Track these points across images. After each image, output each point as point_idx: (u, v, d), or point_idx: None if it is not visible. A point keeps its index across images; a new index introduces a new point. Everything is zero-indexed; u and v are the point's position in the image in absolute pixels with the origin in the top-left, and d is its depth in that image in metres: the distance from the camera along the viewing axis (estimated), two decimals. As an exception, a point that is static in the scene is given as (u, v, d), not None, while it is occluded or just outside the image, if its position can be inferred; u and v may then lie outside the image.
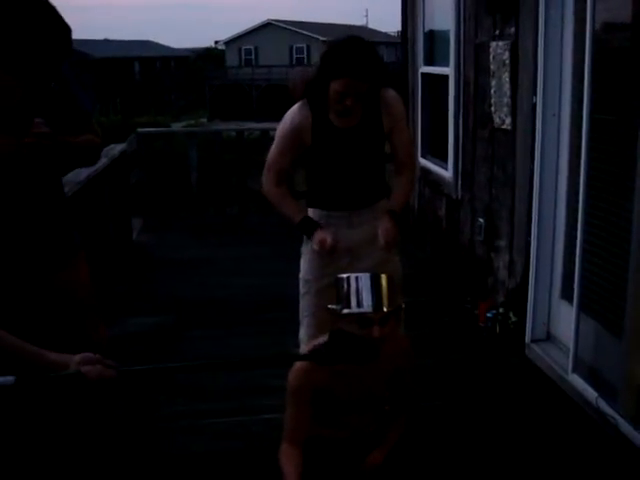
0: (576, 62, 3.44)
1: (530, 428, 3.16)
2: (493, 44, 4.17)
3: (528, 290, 3.88)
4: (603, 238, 3.23)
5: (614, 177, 3.16)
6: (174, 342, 4.17)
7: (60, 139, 2.32)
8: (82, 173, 4.20)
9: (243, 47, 49.46)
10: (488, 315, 4.26)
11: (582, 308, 3.30)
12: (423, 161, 6.00)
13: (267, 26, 48.45)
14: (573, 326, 3.32)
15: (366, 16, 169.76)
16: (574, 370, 3.36)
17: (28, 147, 2.21)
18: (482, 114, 4.51)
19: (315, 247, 2.81)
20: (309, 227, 2.86)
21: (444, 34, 5.27)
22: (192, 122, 36.25)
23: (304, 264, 3.02)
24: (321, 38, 42.80)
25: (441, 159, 5.60)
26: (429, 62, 5.92)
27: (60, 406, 2.58)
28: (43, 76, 2.24)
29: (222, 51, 52.84)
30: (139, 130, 7.65)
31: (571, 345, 3.37)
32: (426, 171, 5.91)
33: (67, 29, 2.21)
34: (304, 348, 2.90)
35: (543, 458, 2.92)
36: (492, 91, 4.24)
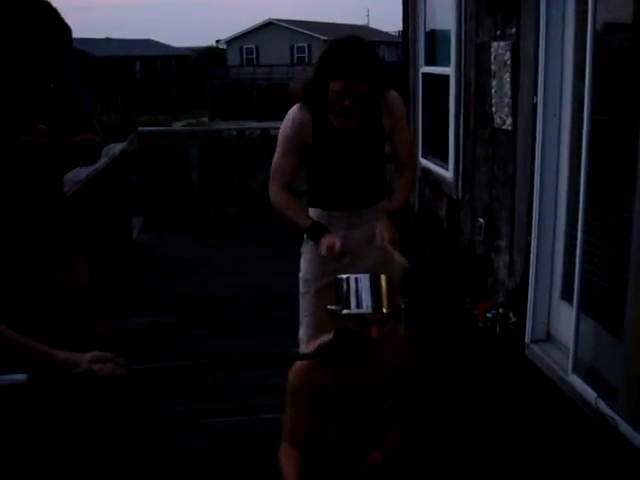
0: (577, 62, 3.44)
1: (530, 428, 3.16)
2: (494, 44, 4.17)
3: (528, 290, 3.88)
4: (603, 239, 3.23)
5: (615, 177, 3.15)
6: (174, 341, 4.17)
7: (60, 138, 2.31)
8: (82, 172, 4.20)
9: (244, 46, 49.47)
10: (488, 315, 4.26)
11: (582, 309, 3.30)
12: (424, 161, 6.00)
13: (268, 25, 48.47)
14: (573, 327, 3.32)
15: (367, 15, 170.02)
16: (574, 371, 3.36)
17: (26, 145, 2.21)
18: (483, 114, 4.51)
19: (323, 253, 2.79)
20: (317, 232, 2.85)
21: (445, 34, 5.27)
22: (193, 121, 36.25)
23: (304, 264, 3.02)
24: (322, 37, 42.79)
25: (442, 159, 5.60)
26: (430, 62, 5.92)
27: (61, 405, 2.58)
28: (42, 77, 2.24)
29: (223, 50, 52.85)
30: (140, 129, 7.65)
31: (571, 346, 3.37)
32: (427, 171, 5.90)
33: (67, 30, 2.21)
34: (304, 348, 2.90)
35: (542, 458, 2.92)
36: (493, 91, 4.24)
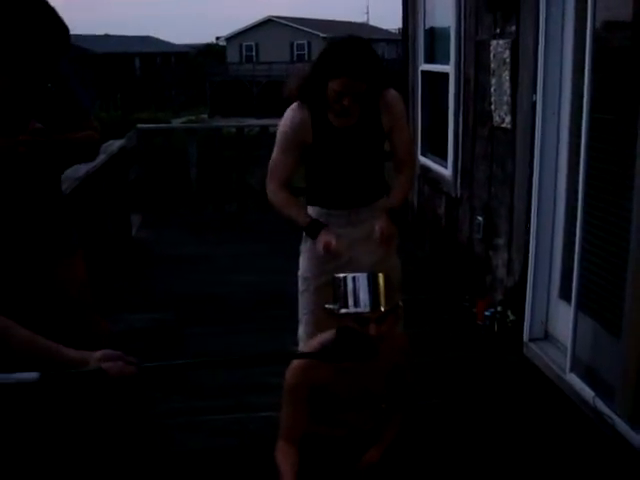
0: (576, 60, 3.43)
1: (527, 427, 3.16)
2: (494, 42, 4.17)
3: (526, 289, 3.87)
4: (602, 237, 3.23)
5: (613, 176, 3.15)
6: (173, 339, 4.16)
7: (58, 136, 2.31)
8: (81, 169, 4.19)
9: (244, 43, 49.42)
10: (486, 313, 4.27)
11: (580, 307, 3.30)
12: (423, 159, 6.00)
13: (268, 22, 48.42)
14: (571, 325, 3.32)
15: (367, 13, 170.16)
16: (572, 369, 3.36)
17: (23, 145, 2.21)
18: (482, 112, 4.51)
19: (319, 250, 2.79)
20: (315, 229, 2.85)
21: (445, 31, 5.27)
22: (192, 118, 36.24)
23: (303, 262, 3.02)
24: (322, 35, 42.77)
25: (441, 157, 5.59)
26: (429, 60, 5.91)
27: (60, 402, 2.58)
28: (39, 76, 2.23)
29: (223, 47, 52.79)
30: (138, 126, 7.65)
31: (569, 344, 3.37)
32: (425, 169, 5.90)
33: (64, 29, 2.20)
34: (303, 346, 2.90)
35: (540, 457, 2.92)
36: (492, 89, 4.23)
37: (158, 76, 45.68)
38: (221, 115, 38.65)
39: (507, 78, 4.00)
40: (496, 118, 4.22)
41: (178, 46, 54.60)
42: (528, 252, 3.86)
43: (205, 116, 40.40)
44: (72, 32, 2.24)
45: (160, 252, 6.12)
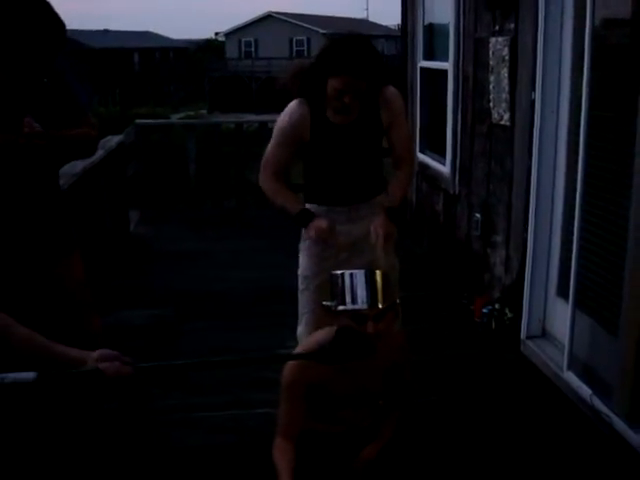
0: (575, 58, 3.43)
1: (524, 425, 3.17)
2: (492, 40, 4.16)
3: (524, 286, 3.87)
4: (600, 235, 3.23)
5: (612, 174, 3.15)
6: (172, 335, 4.16)
7: (55, 133, 2.31)
8: (78, 165, 4.18)
9: (243, 39, 49.33)
10: (484, 311, 4.27)
11: (578, 305, 3.30)
12: (421, 156, 5.99)
13: (267, 18, 48.33)
14: (569, 323, 3.32)
15: (366, 9, 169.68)
16: (569, 367, 3.36)
17: (21, 149, 2.20)
18: (480, 109, 4.50)
19: (312, 234, 2.79)
20: (306, 218, 2.85)
21: (444, 28, 5.26)
22: (191, 114, 36.19)
23: (302, 260, 3.02)
24: (321, 31, 42.74)
25: (439, 154, 5.59)
26: (428, 56, 5.91)
27: (57, 400, 2.58)
28: (34, 71, 2.23)
29: (222, 43, 52.70)
30: (137, 121, 7.64)
31: (566, 342, 3.37)
32: (424, 166, 5.90)
33: (60, 24, 2.19)
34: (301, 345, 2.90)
35: (537, 455, 2.92)
36: (491, 87, 4.23)
37: (157, 71, 45.63)
38: (220, 111, 38.61)
39: (506, 76, 4.00)
40: (495, 115, 4.22)
41: (177, 41, 54.53)
42: (526, 250, 3.86)
43: (204, 112, 40.37)
44: (70, 27, 2.24)
45: (159, 248, 6.11)
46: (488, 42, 4.23)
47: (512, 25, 3.95)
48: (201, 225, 6.95)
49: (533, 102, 3.69)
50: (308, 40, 45.75)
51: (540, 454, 2.93)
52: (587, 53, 3.10)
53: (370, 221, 2.85)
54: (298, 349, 2.43)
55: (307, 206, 2.98)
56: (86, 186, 4.55)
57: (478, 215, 4.61)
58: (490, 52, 4.20)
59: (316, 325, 2.82)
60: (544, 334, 3.86)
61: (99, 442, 2.88)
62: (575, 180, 3.30)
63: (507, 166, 4.13)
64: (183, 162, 7.62)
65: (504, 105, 4.07)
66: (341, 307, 2.16)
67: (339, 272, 2.20)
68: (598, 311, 3.27)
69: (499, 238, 4.33)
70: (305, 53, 44.48)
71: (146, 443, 3.06)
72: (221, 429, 3.17)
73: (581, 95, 3.18)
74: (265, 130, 7.12)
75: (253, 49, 48.96)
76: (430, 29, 5.87)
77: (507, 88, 4.00)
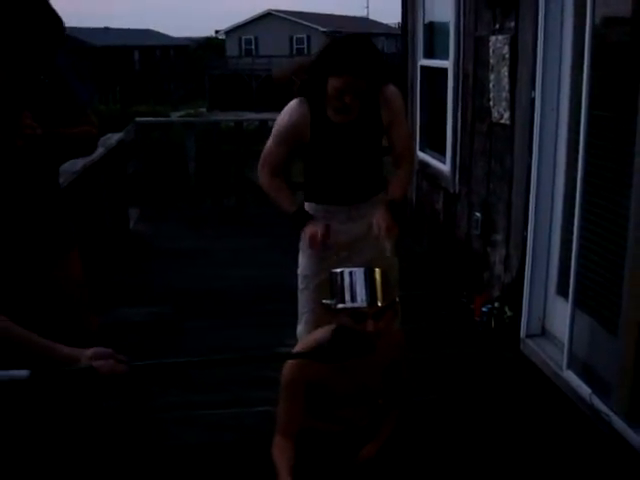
0: (575, 56, 3.42)
1: (524, 424, 3.17)
2: (493, 38, 4.16)
3: (524, 285, 3.87)
4: (600, 234, 3.23)
5: (612, 173, 3.15)
6: (171, 333, 4.16)
7: (54, 131, 2.30)
8: (78, 162, 4.18)
9: (243, 37, 49.31)
10: (484, 309, 4.27)
11: (577, 304, 3.30)
12: (421, 154, 5.99)
13: (267, 16, 48.30)
14: (568, 322, 3.32)
15: (367, 7, 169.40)
16: (569, 366, 3.36)
17: (20, 149, 2.20)
18: (480, 108, 4.50)
19: (305, 243, 2.80)
20: (301, 219, 2.86)
21: (444, 27, 5.25)
22: (191, 112, 36.17)
23: (302, 260, 3.02)
24: (321, 29, 42.74)
25: (439, 152, 5.59)
26: (429, 55, 5.90)
27: (54, 397, 2.58)
28: (33, 69, 2.22)
29: (222, 41, 52.65)
30: (137, 119, 7.64)
31: (566, 341, 3.37)
32: (424, 164, 5.89)
33: (58, 21, 2.18)
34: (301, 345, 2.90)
35: (536, 454, 2.92)
36: (491, 85, 4.22)
37: (157, 69, 45.59)
38: (220, 109, 38.56)
39: (506, 74, 4.00)
40: (495, 114, 4.22)
41: (177, 39, 54.49)
42: (526, 248, 3.86)
43: (204, 110, 40.31)
44: (72, 25, 2.23)
45: (158, 246, 6.11)
46: (488, 40, 4.23)
47: (512, 23, 3.94)
48: (201, 223, 6.95)
49: (533, 100, 3.69)
50: (308, 38, 45.72)
51: (540, 453, 2.93)
52: (587, 51, 3.09)
53: (370, 220, 2.85)
54: (297, 348, 2.43)
55: (307, 205, 2.98)
56: (86, 184, 4.55)
57: (478, 214, 4.61)
58: (490, 50, 4.19)
59: (316, 324, 2.81)
60: (544, 333, 3.86)
61: (98, 440, 2.88)
62: (575, 179, 3.30)
63: (507, 164, 4.13)
64: (183, 160, 7.62)
65: (504, 103, 4.06)
66: (340, 305, 2.16)
67: (338, 270, 2.20)
68: (598, 310, 3.27)
69: (499, 237, 4.33)
70: (305, 51, 44.46)
71: (145, 441, 3.06)
72: (220, 427, 3.17)
73: (581, 93, 3.18)
74: (265, 128, 7.11)
75: (253, 47, 48.92)
76: (430, 27, 5.87)
77: (507, 86, 4.00)
